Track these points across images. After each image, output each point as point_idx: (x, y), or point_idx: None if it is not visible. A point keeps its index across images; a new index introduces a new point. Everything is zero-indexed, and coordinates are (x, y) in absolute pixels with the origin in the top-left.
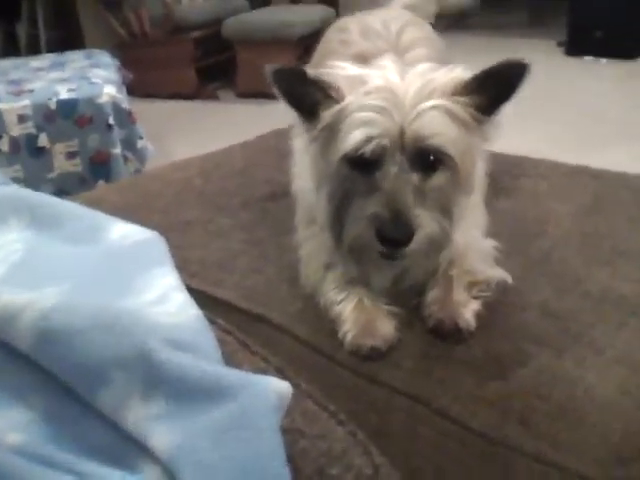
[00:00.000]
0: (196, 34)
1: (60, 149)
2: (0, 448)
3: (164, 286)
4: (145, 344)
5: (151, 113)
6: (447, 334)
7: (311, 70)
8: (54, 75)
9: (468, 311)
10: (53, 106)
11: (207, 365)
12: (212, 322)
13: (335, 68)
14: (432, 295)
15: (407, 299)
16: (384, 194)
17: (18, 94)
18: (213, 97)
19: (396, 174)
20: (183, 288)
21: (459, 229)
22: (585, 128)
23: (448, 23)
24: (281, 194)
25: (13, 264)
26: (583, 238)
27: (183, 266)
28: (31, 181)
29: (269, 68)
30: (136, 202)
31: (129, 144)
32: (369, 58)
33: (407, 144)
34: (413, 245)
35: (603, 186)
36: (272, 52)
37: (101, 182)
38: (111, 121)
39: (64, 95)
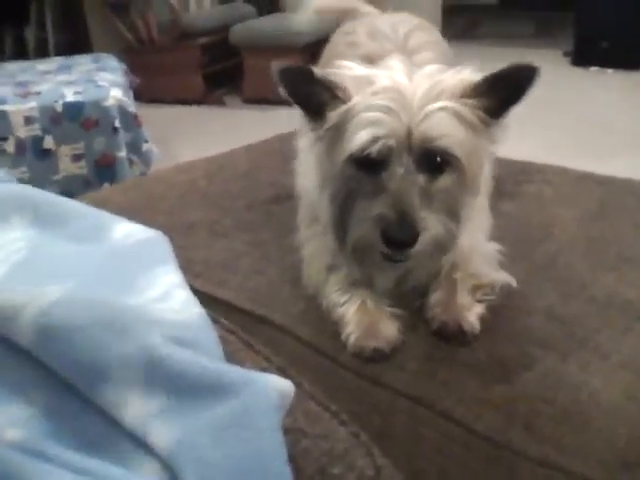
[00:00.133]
0: (203, 40)
1: (66, 151)
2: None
3: (167, 284)
4: (146, 340)
5: (158, 118)
6: (451, 336)
7: (318, 70)
8: (61, 78)
9: (472, 314)
10: (59, 108)
11: (209, 362)
12: (215, 321)
13: (342, 68)
14: (436, 297)
15: (410, 301)
16: (390, 195)
17: (25, 96)
18: (220, 103)
19: (402, 175)
20: (186, 286)
21: (464, 232)
22: (591, 138)
23: (455, 32)
24: (285, 197)
25: (16, 263)
26: (589, 243)
27: (187, 266)
28: (36, 183)
29: (275, 67)
30: (140, 203)
31: (134, 147)
32: (376, 60)
33: (414, 145)
34: (418, 247)
35: (609, 192)
36: (279, 59)
37: (106, 185)
38: (117, 124)
39: (70, 98)
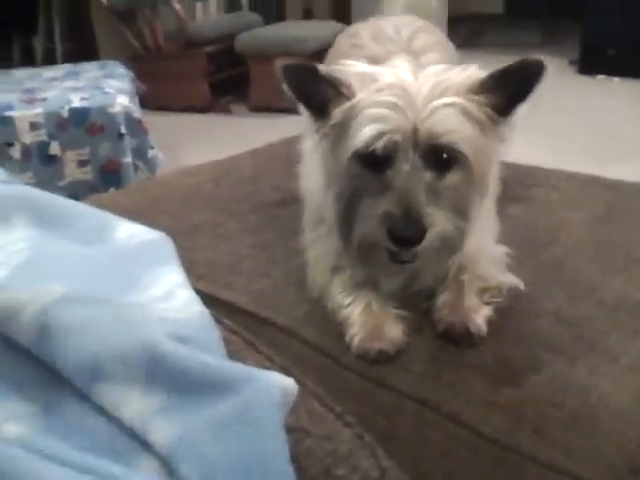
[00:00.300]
0: (210, 48)
1: (71, 157)
2: None
3: (170, 283)
4: (148, 337)
5: (164, 125)
6: (457, 338)
7: (322, 66)
8: (68, 84)
9: (479, 316)
10: (65, 114)
11: (210, 359)
12: (218, 322)
13: (346, 66)
14: (442, 299)
15: (416, 303)
16: (396, 192)
17: (31, 102)
18: (226, 111)
19: (408, 172)
20: (188, 285)
21: (472, 233)
22: (597, 146)
23: (461, 41)
24: (290, 200)
25: (17, 264)
26: (596, 246)
27: (190, 268)
28: (42, 188)
29: (279, 64)
30: (145, 205)
31: (140, 153)
32: (380, 62)
33: (420, 141)
34: (425, 244)
35: (616, 196)
36: None
37: (112, 190)
38: (123, 130)
39: (77, 103)
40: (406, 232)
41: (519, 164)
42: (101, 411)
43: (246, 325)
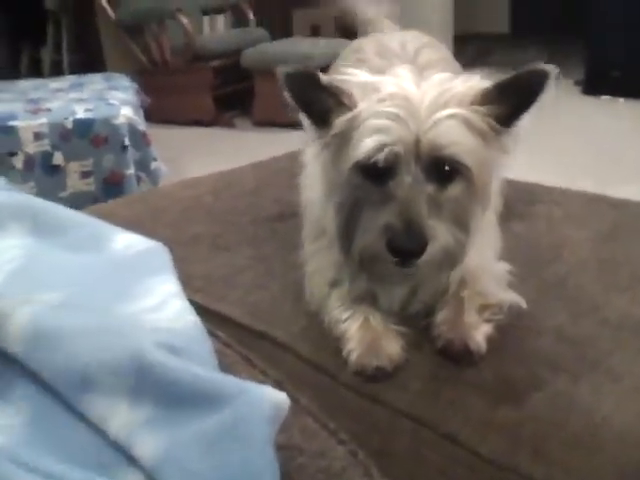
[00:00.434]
0: (216, 63)
1: (74, 168)
2: None
3: (163, 293)
4: (136, 346)
5: (168, 138)
6: (457, 355)
7: (324, 75)
8: (72, 95)
9: (479, 333)
10: (69, 125)
11: (201, 370)
12: (212, 334)
13: (348, 74)
14: (442, 315)
15: (416, 319)
16: (397, 204)
17: (35, 112)
18: (230, 125)
19: (410, 184)
20: (183, 296)
21: (473, 248)
22: (601, 166)
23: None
24: (290, 214)
25: (11, 271)
26: (600, 264)
27: (187, 280)
28: (44, 199)
29: (281, 70)
30: (144, 216)
31: (143, 165)
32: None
33: (422, 153)
34: (426, 257)
35: (621, 215)
36: None
37: (111, 201)
38: (126, 142)
39: (81, 115)
40: (407, 244)
41: (522, 181)
42: (88, 423)
43: (241, 339)
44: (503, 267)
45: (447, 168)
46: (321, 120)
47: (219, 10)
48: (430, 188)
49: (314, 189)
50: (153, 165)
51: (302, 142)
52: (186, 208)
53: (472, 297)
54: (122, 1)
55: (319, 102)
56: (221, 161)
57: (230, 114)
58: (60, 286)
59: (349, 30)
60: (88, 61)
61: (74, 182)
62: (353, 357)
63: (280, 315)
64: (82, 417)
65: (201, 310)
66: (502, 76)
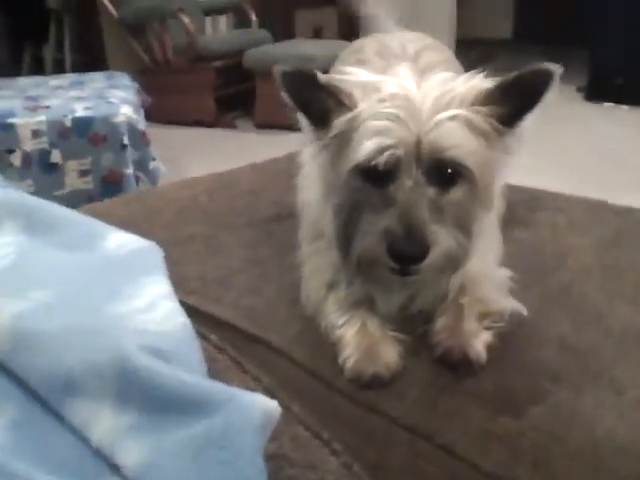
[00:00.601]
0: (218, 63)
1: (72, 166)
2: None
3: (153, 294)
4: (121, 350)
5: (169, 138)
6: (455, 364)
7: (322, 74)
8: (72, 93)
9: (479, 341)
10: (68, 123)
11: (187, 376)
12: (205, 338)
13: (348, 74)
14: (441, 322)
15: (414, 326)
16: (398, 208)
17: (34, 110)
18: (231, 126)
19: (411, 187)
20: (173, 297)
21: (475, 252)
22: (604, 174)
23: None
24: (287, 215)
25: (1, 268)
26: (604, 272)
27: (181, 282)
28: (41, 197)
29: (278, 69)
30: (140, 216)
31: (142, 165)
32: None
33: (423, 156)
34: (428, 262)
35: (625, 222)
36: None
37: (107, 200)
38: (125, 141)
39: (80, 113)
40: (407, 249)
41: (525, 187)
42: (71, 429)
43: (235, 342)
44: (505, 273)
45: (449, 171)
46: (320, 120)
47: (221, 11)
48: (431, 191)
49: (311, 190)
50: (152, 165)
51: (300, 143)
52: (182, 208)
53: (472, 304)
54: (124, 0)
55: (317, 102)
56: (222, 162)
57: (231, 115)
58: (50, 284)
59: (351, 32)
60: (90, 60)
61: (72, 180)
62: (349, 363)
63: (275, 319)
64: (65, 423)
65: (195, 312)
66: (505, 76)
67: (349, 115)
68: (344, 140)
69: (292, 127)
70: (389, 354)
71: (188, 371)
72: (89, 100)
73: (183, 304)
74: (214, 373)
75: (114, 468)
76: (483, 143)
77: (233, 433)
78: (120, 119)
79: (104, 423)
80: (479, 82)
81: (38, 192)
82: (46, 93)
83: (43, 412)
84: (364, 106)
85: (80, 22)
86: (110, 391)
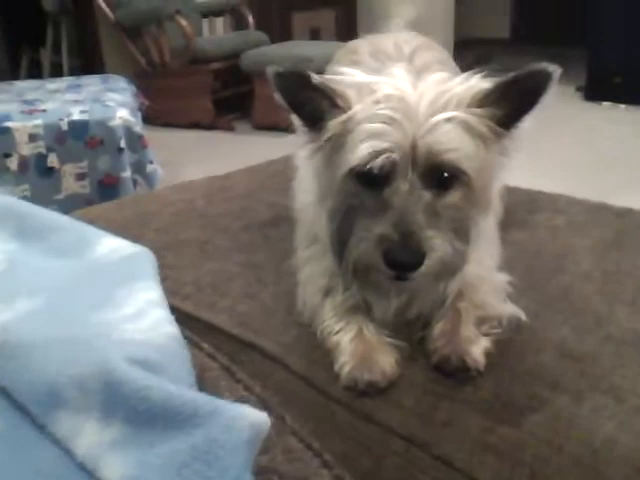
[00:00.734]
0: (215, 66)
1: (69, 170)
2: None
3: (144, 301)
4: (106, 362)
5: (167, 141)
6: (453, 372)
7: (316, 76)
8: (69, 97)
9: (477, 348)
10: (65, 127)
11: (173, 388)
12: (197, 346)
13: (342, 74)
14: (438, 328)
15: (411, 331)
16: (393, 213)
17: (31, 113)
18: (229, 128)
19: (407, 192)
20: (164, 304)
21: (472, 256)
22: (603, 173)
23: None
24: (284, 219)
25: None
26: (604, 275)
27: (176, 287)
28: (38, 202)
29: (271, 70)
30: (134, 220)
31: (139, 168)
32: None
33: (419, 159)
34: (424, 269)
35: (625, 223)
36: None
37: (102, 204)
38: (122, 144)
39: (76, 116)
40: (404, 257)
41: (523, 188)
42: (56, 442)
43: (229, 350)
44: (503, 278)
45: (445, 174)
46: (314, 122)
47: (218, 13)
48: (427, 195)
49: (307, 193)
50: (149, 168)
51: (294, 144)
52: (178, 212)
53: (470, 309)
54: (121, 3)
55: (311, 103)
56: (220, 164)
57: (229, 117)
58: (39, 293)
59: (349, 33)
60: (88, 63)
61: (69, 184)
62: (345, 370)
63: (270, 325)
64: (50, 436)
65: (189, 318)
66: (502, 76)
67: (343, 117)
68: (338, 142)
69: (290, 129)
70: (385, 361)
71: (175, 383)
72: (85, 103)
73: (178, 310)
74: (205, 382)
75: None
76: (480, 146)
77: (219, 448)
78: (117, 122)
79: (89, 436)
80: (476, 83)
81: (35, 197)
82: (43, 97)
83: (28, 424)
84: (359, 108)
85: (77, 25)
86: (95, 404)
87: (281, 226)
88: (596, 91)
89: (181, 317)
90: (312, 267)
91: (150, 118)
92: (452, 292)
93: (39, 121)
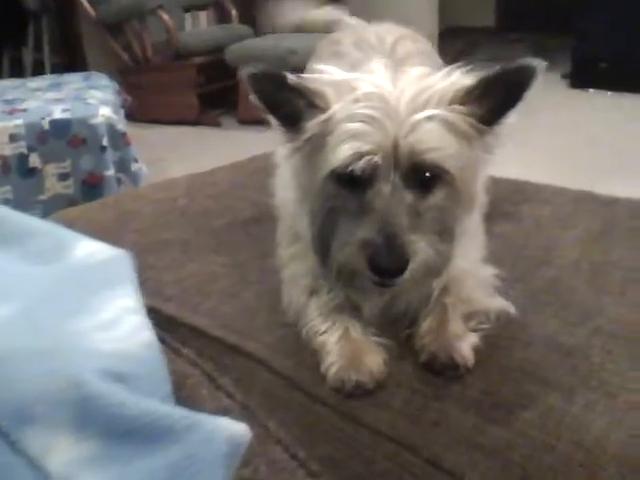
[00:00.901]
0: (199, 60)
1: (52, 170)
2: None
3: (119, 308)
4: (79, 374)
5: (153, 138)
6: (441, 370)
7: (292, 75)
8: (50, 95)
9: (465, 345)
10: (46, 126)
11: (148, 402)
12: (177, 352)
13: (321, 72)
14: (425, 325)
15: (398, 329)
16: (376, 216)
17: (11, 113)
18: (215, 124)
19: (389, 193)
20: (141, 310)
21: (457, 252)
22: (589, 159)
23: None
24: (267, 215)
25: None
26: (592, 266)
27: (157, 289)
28: (21, 203)
29: (244, 71)
30: (115, 221)
31: (123, 166)
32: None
33: (401, 159)
34: (407, 274)
35: (612, 213)
36: None
37: (81, 205)
38: (105, 142)
39: (58, 115)
40: (387, 263)
41: (509, 179)
42: (29, 460)
43: (212, 353)
44: (489, 271)
45: (427, 174)
46: (292, 122)
47: (201, 7)
48: (410, 197)
49: (287, 192)
50: (134, 166)
51: (274, 141)
52: (160, 211)
53: (456, 304)
54: None
55: (289, 104)
56: (206, 160)
57: (215, 112)
58: (12, 300)
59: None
60: (70, 61)
61: (52, 185)
62: (332, 371)
63: (254, 326)
64: (22, 455)
65: (171, 321)
66: (485, 72)
67: (322, 117)
68: (318, 143)
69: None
70: (373, 361)
71: (150, 394)
72: (67, 102)
73: (159, 312)
74: (185, 390)
75: None
76: (463, 144)
77: (198, 463)
78: (99, 120)
79: (62, 454)
80: (458, 79)
81: (17, 198)
82: (23, 96)
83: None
84: (338, 107)
85: (59, 23)
86: (67, 419)
87: (264, 223)
88: (582, 78)
89: (163, 320)
90: (295, 266)
91: (134, 115)
92: (438, 287)
93: (20, 121)
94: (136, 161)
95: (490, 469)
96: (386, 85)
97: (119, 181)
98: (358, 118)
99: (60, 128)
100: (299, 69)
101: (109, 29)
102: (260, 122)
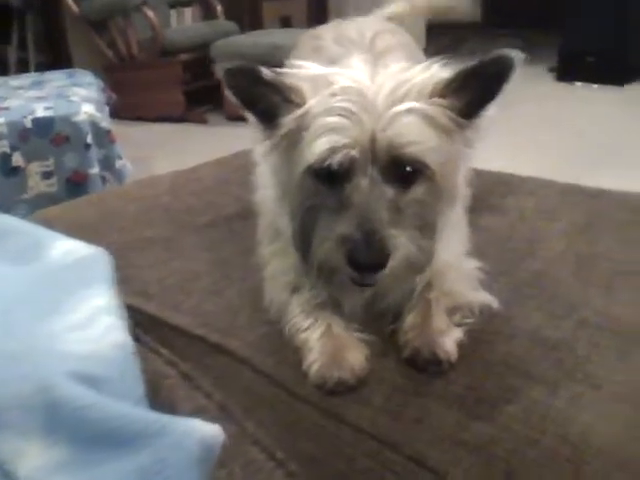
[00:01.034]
0: (184, 57)
1: (35, 169)
2: None
3: (93, 308)
4: (49, 378)
5: (138, 136)
6: (424, 365)
7: (268, 70)
8: (32, 93)
9: (449, 339)
10: (29, 124)
11: (120, 405)
12: (156, 352)
13: (297, 67)
14: (409, 321)
15: (382, 324)
16: (354, 211)
17: None
18: (202, 120)
19: (367, 188)
20: (115, 310)
21: (439, 246)
22: (576, 152)
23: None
24: (251, 212)
25: None
26: (577, 258)
27: (139, 287)
28: (4, 202)
29: (220, 67)
30: (96, 219)
31: (107, 164)
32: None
33: (379, 153)
34: (387, 270)
35: (598, 205)
36: None
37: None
38: (89, 140)
39: (40, 113)
40: (367, 258)
41: (493, 171)
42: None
43: (194, 352)
44: (473, 264)
45: (407, 168)
46: (269, 118)
47: (186, 3)
48: (390, 191)
49: (266, 189)
50: (118, 164)
51: (252, 139)
52: (142, 209)
53: (440, 298)
54: None
55: (265, 99)
56: (193, 158)
57: (201, 109)
58: None
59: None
60: (54, 59)
61: (36, 183)
62: (314, 368)
63: (236, 324)
64: None
65: (153, 320)
66: (463, 64)
67: (298, 112)
68: (295, 139)
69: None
70: (355, 358)
71: (122, 397)
72: (49, 100)
73: (141, 312)
74: (162, 391)
75: None
76: (443, 137)
77: (169, 467)
78: (82, 118)
79: (32, 459)
80: (437, 71)
81: (1, 198)
82: (5, 94)
83: None
84: (314, 102)
85: (43, 20)
86: (37, 424)
87: (248, 220)
88: (568, 71)
89: (145, 319)
90: (277, 263)
91: (120, 112)
92: (422, 281)
93: (2, 119)
94: (120, 159)
95: (474, 465)
96: (364, 79)
97: (104, 179)
98: (335, 112)
99: (43, 126)
100: (284, 65)
101: (93, 26)
102: (246, 119)
